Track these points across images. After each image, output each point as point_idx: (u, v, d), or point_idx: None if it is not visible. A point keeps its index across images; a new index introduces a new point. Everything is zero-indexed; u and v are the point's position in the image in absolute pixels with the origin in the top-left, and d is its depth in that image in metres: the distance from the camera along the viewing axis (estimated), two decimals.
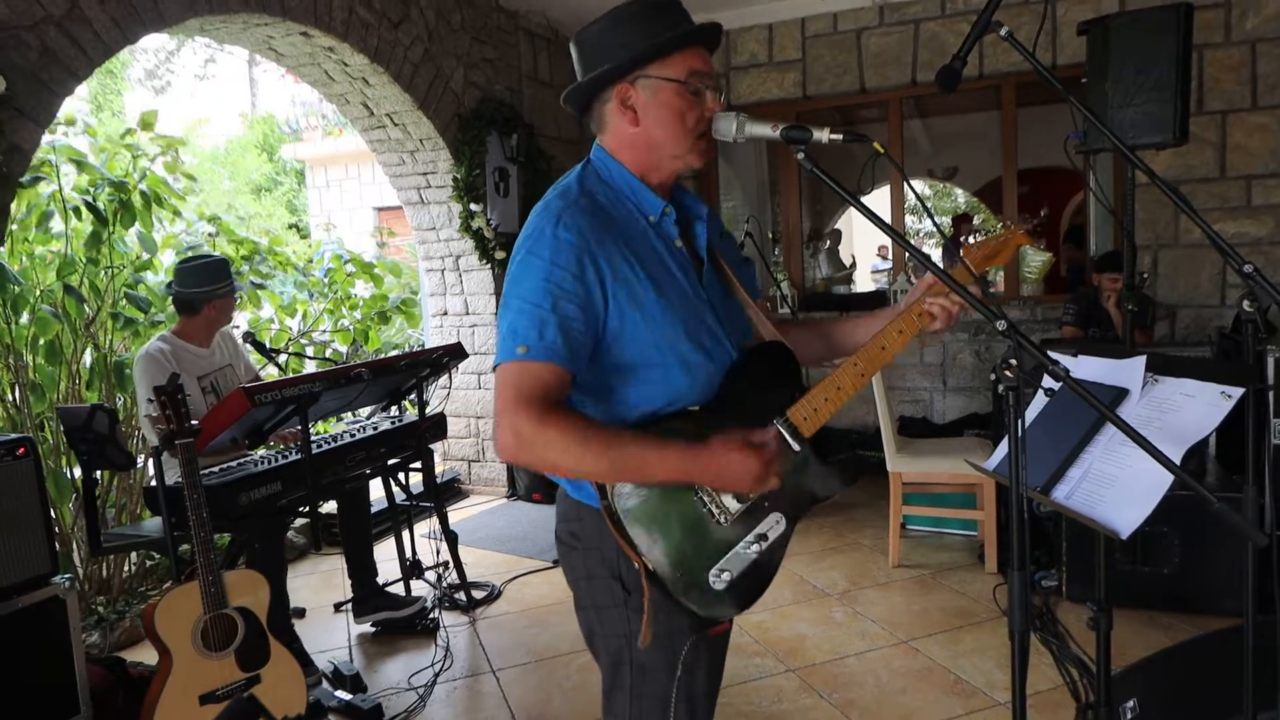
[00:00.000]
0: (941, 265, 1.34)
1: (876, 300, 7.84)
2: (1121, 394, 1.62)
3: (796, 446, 1.45)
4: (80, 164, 3.70)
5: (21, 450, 2.44)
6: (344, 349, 5.31)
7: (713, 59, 1.50)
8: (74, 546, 3.70)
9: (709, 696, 1.52)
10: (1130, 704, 2.29)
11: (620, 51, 1.41)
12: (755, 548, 1.41)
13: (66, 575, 2.55)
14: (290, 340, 5.07)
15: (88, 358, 3.90)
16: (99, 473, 3.49)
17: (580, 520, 1.50)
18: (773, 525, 1.43)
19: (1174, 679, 2.48)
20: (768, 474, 1.34)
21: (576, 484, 1.49)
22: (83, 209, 3.65)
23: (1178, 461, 1.32)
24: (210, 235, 4.65)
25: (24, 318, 3.53)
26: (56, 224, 3.78)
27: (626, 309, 1.38)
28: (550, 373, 1.32)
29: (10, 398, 3.58)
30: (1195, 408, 1.50)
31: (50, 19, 3.04)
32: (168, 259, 4.42)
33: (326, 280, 5.32)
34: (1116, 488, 1.50)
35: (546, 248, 1.35)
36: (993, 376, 4.98)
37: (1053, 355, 1.24)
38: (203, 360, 3.41)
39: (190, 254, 4.20)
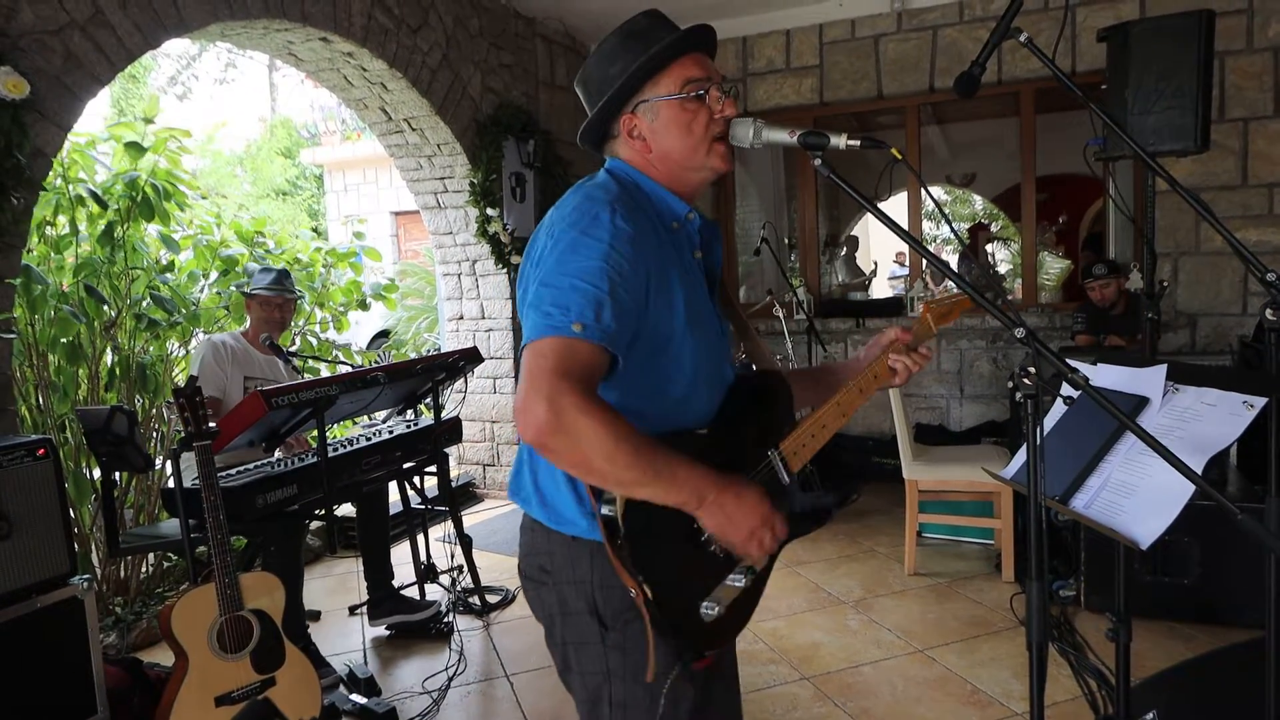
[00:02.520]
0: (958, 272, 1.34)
1: (893, 307, 7.80)
2: (1142, 403, 1.61)
3: (786, 479, 1.44)
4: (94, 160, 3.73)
5: (41, 451, 2.46)
6: (356, 349, 5.31)
7: (729, 65, 1.51)
8: (92, 547, 3.73)
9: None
10: (1149, 716, 2.27)
11: (611, 85, 1.41)
12: (743, 580, 1.40)
13: (85, 575, 2.56)
14: (298, 336, 5.08)
15: (109, 359, 3.93)
16: (118, 474, 3.53)
17: (551, 554, 1.43)
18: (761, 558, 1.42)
19: (1194, 691, 2.45)
20: (770, 533, 1.29)
21: (554, 514, 1.41)
22: (86, 199, 3.61)
23: (1199, 471, 1.30)
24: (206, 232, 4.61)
25: (45, 317, 3.55)
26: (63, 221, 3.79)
27: (661, 316, 1.34)
28: (599, 357, 1.22)
29: (33, 399, 3.61)
30: (1217, 417, 1.49)
31: (74, 24, 3.08)
32: (186, 256, 4.45)
33: (308, 273, 5.30)
34: (1136, 497, 1.49)
35: (605, 231, 1.28)
36: (1011, 384, 4.93)
37: (1072, 363, 1.23)
38: (256, 364, 3.61)
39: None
